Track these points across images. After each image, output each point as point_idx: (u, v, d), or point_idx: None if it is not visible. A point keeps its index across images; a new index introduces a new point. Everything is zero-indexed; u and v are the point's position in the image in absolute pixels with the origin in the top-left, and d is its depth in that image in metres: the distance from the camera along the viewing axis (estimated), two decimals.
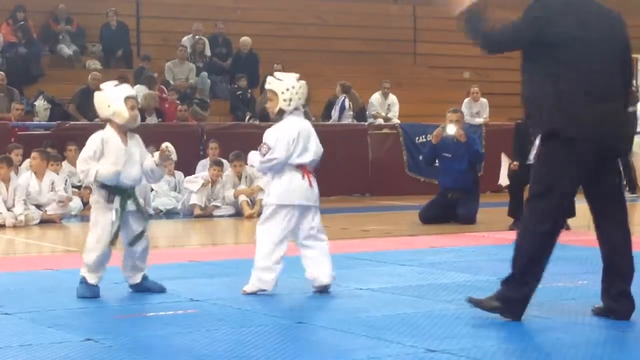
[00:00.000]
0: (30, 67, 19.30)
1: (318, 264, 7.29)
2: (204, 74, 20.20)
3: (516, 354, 5.33)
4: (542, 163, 6.09)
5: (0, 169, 12.81)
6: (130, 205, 7.17)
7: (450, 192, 12.91)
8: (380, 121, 19.64)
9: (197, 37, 20.76)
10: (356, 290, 7.38)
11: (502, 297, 6.06)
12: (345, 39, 22.97)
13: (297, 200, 7.27)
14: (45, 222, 12.92)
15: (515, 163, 12.08)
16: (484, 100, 20.29)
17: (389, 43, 23.56)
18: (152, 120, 17.12)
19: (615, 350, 5.34)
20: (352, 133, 18.18)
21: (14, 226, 12.47)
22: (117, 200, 7.12)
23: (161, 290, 7.28)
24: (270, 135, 7.38)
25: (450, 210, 12.81)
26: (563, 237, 11.14)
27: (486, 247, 10.30)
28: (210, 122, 17.98)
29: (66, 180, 13.62)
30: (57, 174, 13.64)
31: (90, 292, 7.08)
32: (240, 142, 15.49)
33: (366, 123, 19.16)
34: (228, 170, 14.68)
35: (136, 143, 7.34)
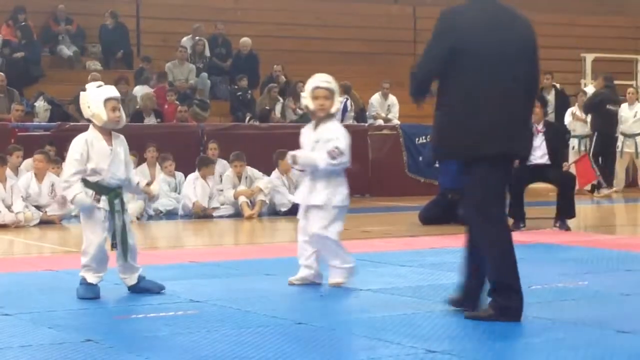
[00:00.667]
0: (30, 68, 19.31)
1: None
2: (204, 74, 20.20)
3: (516, 355, 5.33)
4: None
5: None
6: (117, 205, 7.18)
7: (450, 192, 12.89)
8: (380, 122, 19.65)
9: (197, 37, 20.76)
10: (356, 291, 7.38)
11: (496, 306, 6.07)
12: (345, 39, 22.98)
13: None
14: (45, 223, 12.93)
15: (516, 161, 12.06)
16: None
17: (389, 44, 23.56)
18: (151, 120, 17.12)
19: (615, 351, 5.34)
20: (352, 134, 17.84)
21: (14, 225, 12.47)
22: (104, 200, 7.13)
23: (160, 289, 7.26)
24: (341, 139, 7.58)
25: (450, 210, 12.80)
26: (564, 238, 11.12)
27: None
28: (210, 122, 17.97)
29: None
30: (58, 176, 13.65)
31: (90, 293, 7.06)
32: (240, 143, 15.52)
33: (366, 124, 19.16)
34: (228, 171, 14.67)
35: (120, 143, 7.31)
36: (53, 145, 14.55)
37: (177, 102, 18.13)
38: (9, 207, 12.68)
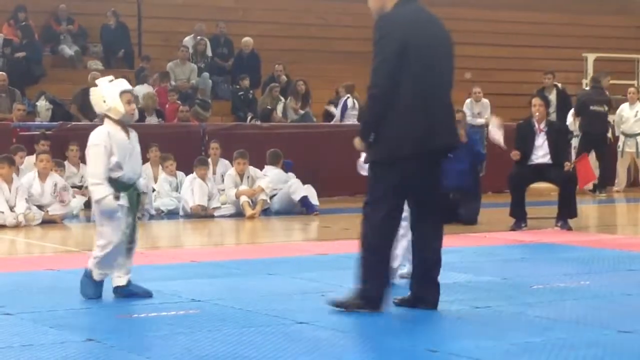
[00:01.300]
0: (32, 68, 19.30)
1: None
2: (206, 74, 20.20)
3: (517, 354, 5.33)
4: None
5: (2, 168, 12.81)
6: (135, 202, 7.08)
7: (451, 192, 12.89)
8: None
9: (198, 37, 20.76)
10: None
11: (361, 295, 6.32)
12: (346, 39, 22.95)
13: None
14: (46, 222, 12.93)
15: (516, 152, 12.05)
16: (485, 100, 20.27)
17: None
18: (152, 120, 17.12)
19: (616, 351, 5.34)
20: (353, 133, 18.08)
21: (15, 225, 12.47)
22: (123, 197, 7.01)
23: (146, 294, 7.05)
24: None
25: (451, 210, 12.79)
26: (565, 238, 11.10)
27: (487, 247, 10.29)
28: (212, 122, 17.96)
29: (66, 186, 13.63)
30: (62, 177, 13.66)
31: (92, 290, 7.00)
32: (242, 142, 15.50)
33: None
34: (230, 170, 14.66)
35: (135, 138, 7.23)
36: (47, 140, 14.54)
37: (178, 102, 18.14)
38: (11, 208, 12.69)
